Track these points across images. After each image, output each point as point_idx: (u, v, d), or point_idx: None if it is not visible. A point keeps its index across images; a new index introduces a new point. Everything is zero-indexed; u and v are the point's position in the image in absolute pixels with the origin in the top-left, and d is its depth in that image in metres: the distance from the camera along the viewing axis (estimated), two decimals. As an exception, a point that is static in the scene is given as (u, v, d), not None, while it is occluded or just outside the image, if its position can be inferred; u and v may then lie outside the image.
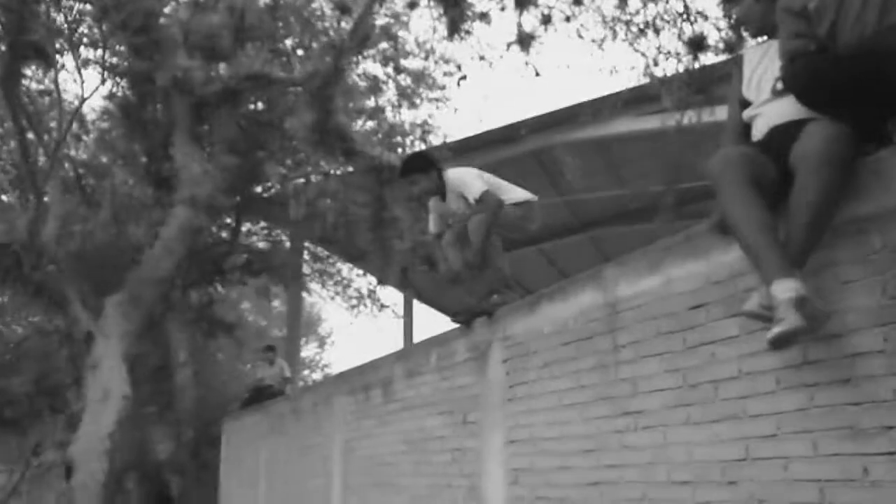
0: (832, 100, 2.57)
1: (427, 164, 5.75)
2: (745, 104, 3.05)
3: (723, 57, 9.47)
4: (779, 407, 2.75)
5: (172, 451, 13.79)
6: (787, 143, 2.62)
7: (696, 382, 3.21)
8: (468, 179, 5.46)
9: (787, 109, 2.78)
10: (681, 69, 9.44)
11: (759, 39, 3.19)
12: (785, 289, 2.41)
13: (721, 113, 7.84)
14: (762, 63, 3.00)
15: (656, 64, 10.10)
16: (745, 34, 8.58)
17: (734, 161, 2.67)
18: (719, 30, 9.59)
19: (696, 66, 9.40)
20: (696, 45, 9.42)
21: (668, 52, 9.35)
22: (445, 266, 5.70)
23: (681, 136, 9.75)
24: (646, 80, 10.17)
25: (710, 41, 9.50)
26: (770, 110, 2.88)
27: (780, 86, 2.83)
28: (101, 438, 10.08)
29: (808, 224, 2.49)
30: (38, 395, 16.65)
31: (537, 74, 11.73)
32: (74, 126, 15.25)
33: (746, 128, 3.04)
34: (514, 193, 5.64)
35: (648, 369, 3.51)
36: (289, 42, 15.01)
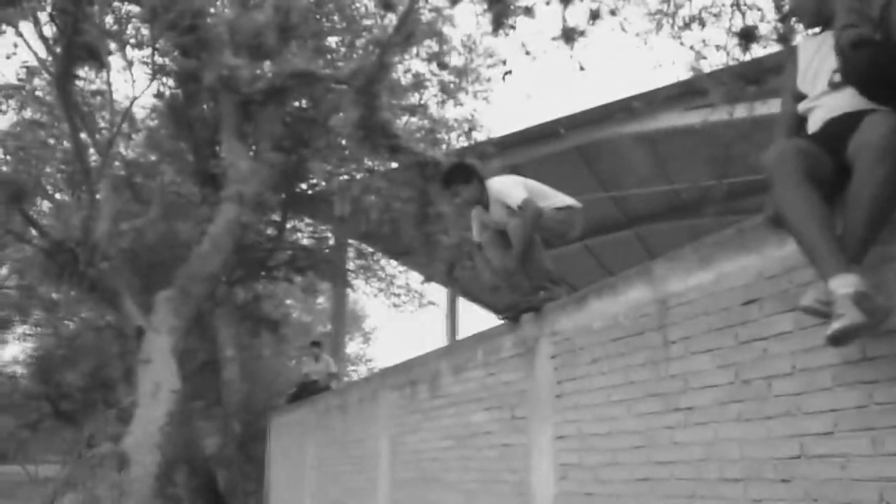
0: (894, 90, 2.51)
1: (468, 175, 5.73)
2: (800, 97, 3.00)
3: (774, 49, 9.31)
4: (836, 404, 2.70)
5: (220, 445, 13.96)
6: (845, 136, 2.57)
7: (749, 379, 3.17)
8: (509, 188, 5.43)
9: (845, 101, 2.73)
10: (730, 62, 9.31)
11: (813, 31, 3.13)
12: (844, 284, 2.37)
13: (773, 105, 7.74)
14: (818, 55, 2.94)
15: (703, 57, 9.98)
16: (798, 26, 8.44)
17: (790, 154, 2.63)
18: (768, 22, 9.45)
19: (747, 58, 9.25)
20: (747, 36, 9.28)
21: (717, 46, 9.21)
22: (488, 272, 5.70)
23: (731, 129, 9.62)
24: (692, 74, 10.05)
25: (762, 32, 9.35)
26: (827, 102, 2.83)
27: (837, 77, 2.78)
28: (153, 432, 10.26)
29: (867, 218, 2.44)
30: (91, 389, 16.99)
31: (582, 69, 11.67)
32: (124, 125, 15.50)
33: (801, 121, 2.99)
34: (556, 199, 5.60)
35: (699, 365, 3.48)
36: (333, 40, 15.10)
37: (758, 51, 9.47)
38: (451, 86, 15.24)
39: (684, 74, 10.68)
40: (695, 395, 3.48)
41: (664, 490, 3.60)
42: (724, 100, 9.33)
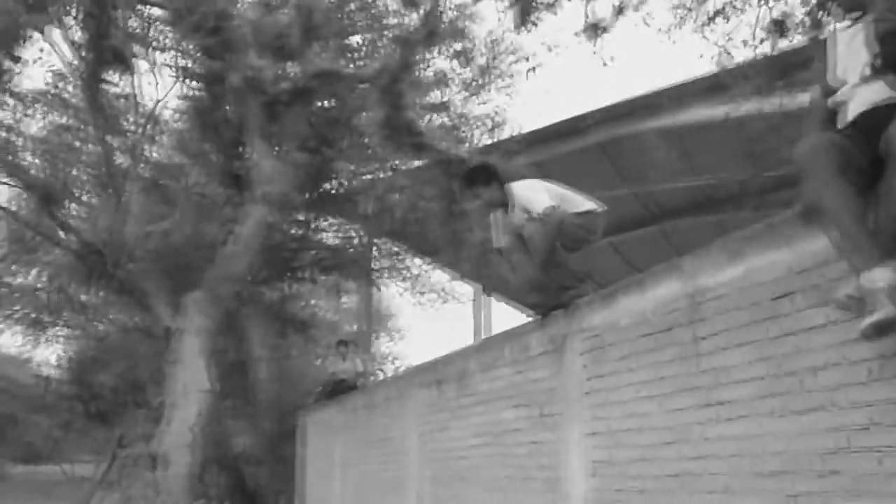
0: None
1: (490, 177, 5.67)
2: (831, 89, 2.98)
3: (802, 42, 9.21)
4: (872, 398, 2.69)
5: (250, 444, 14.05)
6: (879, 128, 2.55)
7: (782, 373, 3.16)
8: (533, 193, 5.37)
9: (878, 93, 2.70)
10: (757, 55, 9.21)
11: (845, 23, 3.10)
12: (879, 277, 2.35)
13: (803, 99, 7.65)
14: (850, 47, 2.91)
15: (728, 53, 9.90)
16: (828, 16, 8.34)
17: (822, 147, 2.61)
18: (796, 15, 9.35)
19: (776, 50, 9.15)
20: (777, 28, 9.18)
21: (744, 41, 9.12)
22: (512, 277, 5.67)
23: (759, 123, 9.53)
24: (718, 69, 9.98)
25: (791, 24, 9.24)
26: (859, 94, 2.80)
27: (868, 71, 2.75)
28: (185, 432, 10.35)
29: None
30: (122, 390, 17.16)
31: (605, 64, 11.64)
32: (150, 128, 15.63)
33: (832, 113, 2.96)
34: (578, 203, 5.52)
35: (731, 360, 3.47)
36: (357, 38, 15.13)
37: (786, 44, 9.37)
38: (475, 83, 15.22)
39: (710, 69, 10.60)
40: (726, 390, 3.48)
41: (697, 485, 3.60)
42: (752, 94, 9.24)
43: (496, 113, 14.89)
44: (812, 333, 3.02)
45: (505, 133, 14.26)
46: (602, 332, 4.58)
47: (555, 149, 13.23)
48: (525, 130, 13.65)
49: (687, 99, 11.10)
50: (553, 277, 5.31)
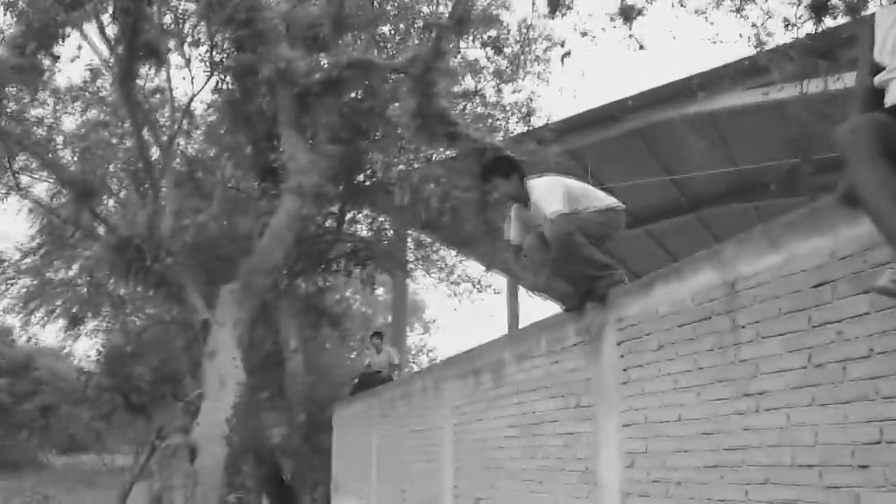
0: None
1: (509, 170, 5.44)
2: (877, 69, 2.88)
3: (847, 19, 8.97)
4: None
5: (285, 436, 14.13)
6: None
7: (823, 362, 3.08)
8: (548, 193, 5.14)
9: None
10: (798, 36, 9.00)
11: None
12: (922, 264, 2.28)
13: (848, 80, 7.45)
14: (896, 25, 2.82)
15: (768, 33, 9.70)
16: None
17: (865, 129, 2.53)
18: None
19: (818, 30, 8.91)
20: (819, 8, 8.94)
21: (785, 22, 8.90)
22: (527, 277, 5.56)
23: (802, 106, 9.33)
24: (756, 51, 9.79)
25: (833, 2, 8.99)
26: None
27: None
28: (220, 423, 10.44)
29: None
30: (159, 382, 17.36)
31: (641, 48, 11.50)
32: (184, 122, 15.76)
33: (878, 94, 2.87)
34: (597, 200, 5.35)
35: (771, 349, 3.39)
36: (388, 28, 15.11)
37: (828, 23, 9.12)
38: (508, 70, 15.14)
39: (747, 51, 10.41)
40: (766, 379, 3.40)
41: (735, 477, 3.53)
42: (793, 76, 9.04)
43: (530, 100, 14.81)
44: (854, 321, 2.94)
45: (539, 121, 14.19)
46: (639, 321, 4.51)
47: (590, 136, 13.11)
48: (560, 118, 13.57)
49: (725, 83, 10.92)
50: (579, 271, 5.19)
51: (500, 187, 5.45)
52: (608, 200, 5.39)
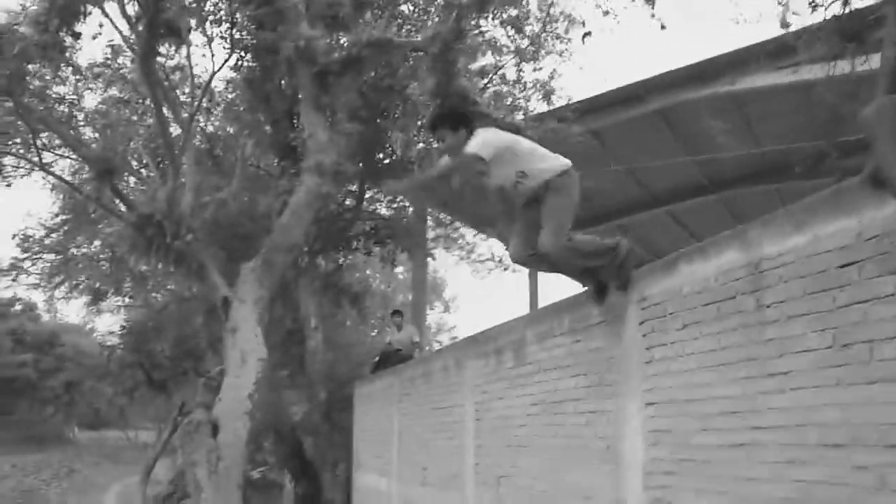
0: None
1: (458, 123, 5.16)
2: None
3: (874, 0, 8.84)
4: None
5: (306, 413, 14.24)
6: None
7: (849, 343, 3.09)
8: (474, 141, 4.96)
9: None
10: (826, 15, 8.85)
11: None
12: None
13: (874, 61, 7.36)
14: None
15: (794, 14, 9.57)
16: None
17: (891, 109, 2.53)
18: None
19: (846, 11, 8.76)
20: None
21: (812, 1, 8.75)
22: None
23: (827, 88, 9.22)
24: (783, 32, 9.67)
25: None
26: None
27: None
28: (242, 399, 10.53)
29: None
30: (180, 359, 17.52)
31: (663, 27, 11.41)
32: (205, 100, 15.79)
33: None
34: (545, 161, 5.10)
35: (796, 329, 3.40)
36: (408, 7, 15.06)
37: (855, 4, 8.98)
38: (529, 49, 15.07)
39: (773, 32, 10.30)
40: (792, 359, 3.42)
41: (761, 456, 3.55)
42: (820, 58, 8.93)
43: (551, 78, 14.74)
44: (880, 302, 2.95)
45: (560, 100, 14.12)
46: (662, 300, 4.52)
47: (613, 117, 13.04)
48: (582, 98, 13.49)
49: (750, 64, 10.82)
50: (581, 268, 5.12)
51: (445, 139, 5.19)
52: (558, 161, 5.16)
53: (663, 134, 13.54)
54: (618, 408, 4.89)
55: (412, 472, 9.58)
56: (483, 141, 4.94)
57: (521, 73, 15.20)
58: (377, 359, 13.40)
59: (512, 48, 15.17)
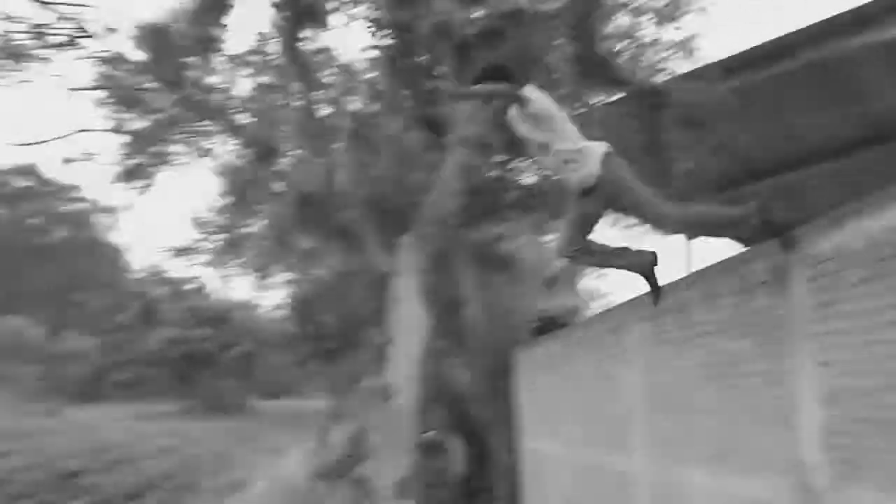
0: None
1: (505, 79, 5.28)
2: None
3: None
4: None
5: (468, 382, 14.56)
6: None
7: None
8: (564, 123, 5.20)
9: None
10: None
11: None
12: None
13: None
14: None
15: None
16: None
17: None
18: None
19: None
20: None
21: None
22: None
23: None
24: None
25: None
26: None
27: None
28: (410, 366, 10.92)
29: None
30: (347, 330, 18.23)
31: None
32: (349, 80, 16.29)
33: None
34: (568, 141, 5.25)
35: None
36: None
37: None
38: (669, 6, 14.74)
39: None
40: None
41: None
42: None
43: (692, 37, 14.40)
44: None
45: (703, 59, 13.77)
46: (832, 257, 4.45)
47: (760, 73, 12.59)
48: (725, 55, 13.11)
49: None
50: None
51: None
52: (597, 143, 5.29)
53: (816, 89, 12.97)
54: (789, 369, 4.85)
55: (578, 436, 9.67)
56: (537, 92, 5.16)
57: (661, 29, 14.89)
58: (536, 325, 13.53)
59: (650, 7, 14.89)
